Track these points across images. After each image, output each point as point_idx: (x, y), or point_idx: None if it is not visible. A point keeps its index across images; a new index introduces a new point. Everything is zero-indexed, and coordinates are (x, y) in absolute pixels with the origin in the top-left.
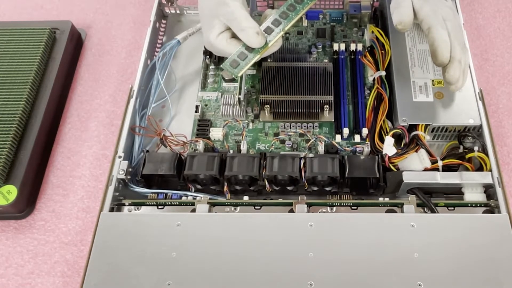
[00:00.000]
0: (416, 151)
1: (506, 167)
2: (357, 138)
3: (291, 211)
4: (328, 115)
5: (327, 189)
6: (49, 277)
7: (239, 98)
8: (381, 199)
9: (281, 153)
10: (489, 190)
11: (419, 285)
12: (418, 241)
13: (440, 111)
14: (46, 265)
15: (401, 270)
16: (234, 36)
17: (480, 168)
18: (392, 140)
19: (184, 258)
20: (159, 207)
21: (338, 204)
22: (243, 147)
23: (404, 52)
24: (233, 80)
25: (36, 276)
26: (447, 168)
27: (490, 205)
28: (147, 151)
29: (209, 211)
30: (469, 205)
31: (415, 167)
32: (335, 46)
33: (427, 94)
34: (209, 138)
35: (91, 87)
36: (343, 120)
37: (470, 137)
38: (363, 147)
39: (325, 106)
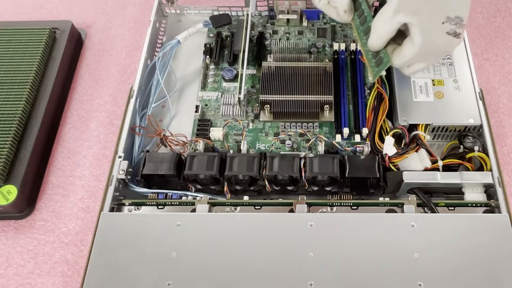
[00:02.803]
0: (416, 151)
1: (506, 167)
2: (357, 138)
3: (291, 211)
4: (328, 115)
5: (327, 189)
6: (49, 277)
7: (239, 98)
8: (381, 199)
9: (281, 153)
10: (489, 190)
11: (419, 285)
12: (418, 241)
13: (440, 111)
14: (46, 265)
15: (401, 270)
16: None
17: (480, 168)
18: (392, 140)
19: (184, 258)
20: (159, 207)
21: (338, 204)
22: (243, 147)
23: None
24: (233, 80)
25: (36, 276)
26: (447, 168)
27: (490, 205)
28: (147, 151)
29: (209, 211)
30: (470, 205)
31: (415, 167)
32: (335, 46)
33: (427, 94)
34: (209, 138)
35: (91, 87)
36: (343, 120)
37: (470, 137)
38: (363, 147)
39: (325, 106)
